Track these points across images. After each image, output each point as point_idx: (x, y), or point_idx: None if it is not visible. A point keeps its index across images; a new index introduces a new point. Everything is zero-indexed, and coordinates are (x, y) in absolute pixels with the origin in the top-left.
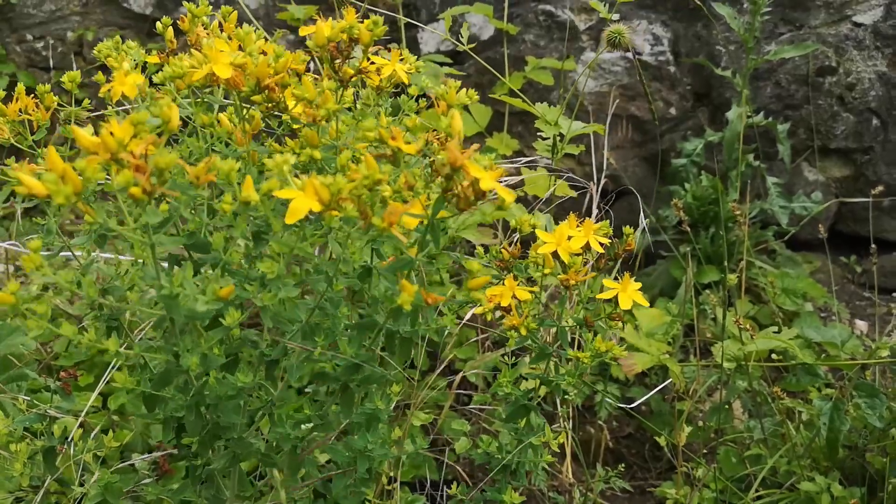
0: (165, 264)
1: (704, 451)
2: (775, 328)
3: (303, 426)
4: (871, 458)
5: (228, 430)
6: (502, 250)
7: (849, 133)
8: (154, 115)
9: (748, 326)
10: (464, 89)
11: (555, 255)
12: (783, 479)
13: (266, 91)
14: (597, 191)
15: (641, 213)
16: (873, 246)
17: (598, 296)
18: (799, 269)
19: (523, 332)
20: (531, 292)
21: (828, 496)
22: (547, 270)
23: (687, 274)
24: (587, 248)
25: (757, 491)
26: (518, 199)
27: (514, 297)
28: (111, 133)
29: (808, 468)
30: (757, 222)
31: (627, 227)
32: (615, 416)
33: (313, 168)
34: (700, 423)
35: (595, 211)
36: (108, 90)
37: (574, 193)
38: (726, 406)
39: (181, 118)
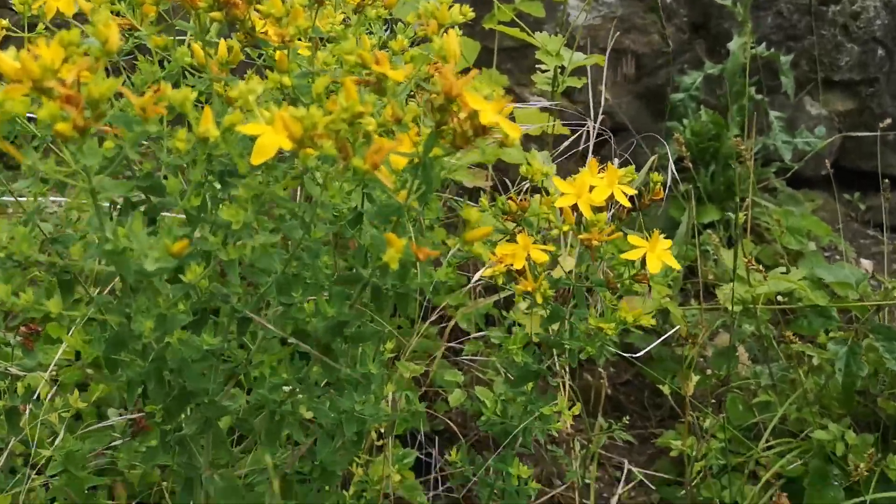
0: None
1: (713, 400)
2: (783, 269)
3: (283, 388)
4: (882, 403)
5: (197, 395)
6: (509, 201)
7: (853, 64)
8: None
9: (760, 268)
10: (457, 5)
11: (573, 206)
12: (793, 427)
13: (227, 7)
14: (594, 127)
15: (671, 166)
16: (886, 181)
17: (623, 256)
18: (801, 206)
19: (539, 299)
20: (547, 251)
21: (842, 445)
22: (566, 227)
23: (686, 213)
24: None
25: (767, 441)
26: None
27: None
28: (36, 57)
29: (818, 415)
30: (758, 159)
31: (655, 174)
32: (612, 362)
33: (285, 97)
34: (704, 370)
35: (591, 147)
36: (42, 4)
37: (567, 131)
38: (734, 351)
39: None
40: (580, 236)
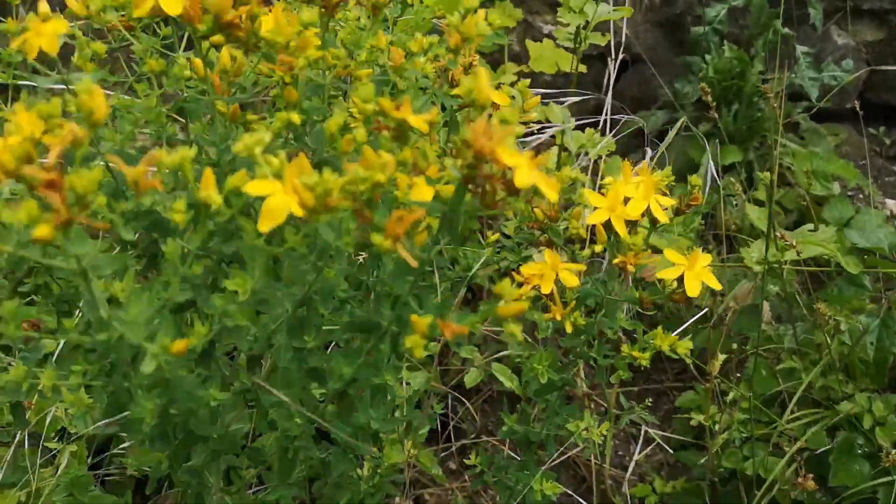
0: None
1: (738, 374)
2: (811, 226)
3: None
4: None
5: (205, 437)
6: (536, 210)
7: None
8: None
9: (794, 243)
10: (482, 10)
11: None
12: (818, 395)
13: (229, 28)
14: (614, 67)
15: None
16: None
17: (660, 274)
18: (824, 142)
19: (569, 328)
20: (577, 272)
21: (870, 417)
22: (598, 248)
23: (706, 155)
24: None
25: (792, 412)
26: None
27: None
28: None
29: (843, 382)
30: (784, 96)
31: (694, 176)
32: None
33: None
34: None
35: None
36: (23, 42)
37: (584, 68)
38: (759, 311)
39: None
40: (615, 261)
